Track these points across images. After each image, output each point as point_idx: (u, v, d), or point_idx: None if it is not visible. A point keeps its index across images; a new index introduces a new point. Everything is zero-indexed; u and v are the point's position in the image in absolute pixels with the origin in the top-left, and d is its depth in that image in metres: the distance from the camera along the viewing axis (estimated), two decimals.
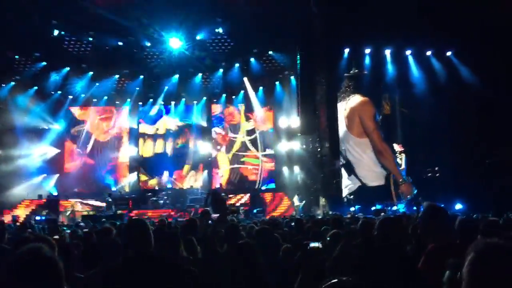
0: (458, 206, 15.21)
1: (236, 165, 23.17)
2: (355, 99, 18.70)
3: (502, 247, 1.66)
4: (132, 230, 3.36)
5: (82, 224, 12.63)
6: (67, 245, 4.74)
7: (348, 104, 18.78)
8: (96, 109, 23.21)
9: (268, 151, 23.21)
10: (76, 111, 23.02)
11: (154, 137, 23.42)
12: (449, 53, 18.32)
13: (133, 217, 3.91)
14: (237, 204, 19.96)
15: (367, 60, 18.82)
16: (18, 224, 15.00)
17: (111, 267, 3.28)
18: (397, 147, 18.90)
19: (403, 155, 18.82)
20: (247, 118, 23.49)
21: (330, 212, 14.73)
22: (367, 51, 18.67)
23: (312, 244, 3.47)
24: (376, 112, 18.68)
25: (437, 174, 17.64)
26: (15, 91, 20.58)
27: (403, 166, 18.76)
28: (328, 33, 17.25)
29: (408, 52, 18.86)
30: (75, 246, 5.43)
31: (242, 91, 22.80)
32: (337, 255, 3.30)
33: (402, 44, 18.35)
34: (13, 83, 20.49)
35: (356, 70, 18.51)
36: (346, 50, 18.51)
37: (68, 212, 19.04)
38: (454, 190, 16.28)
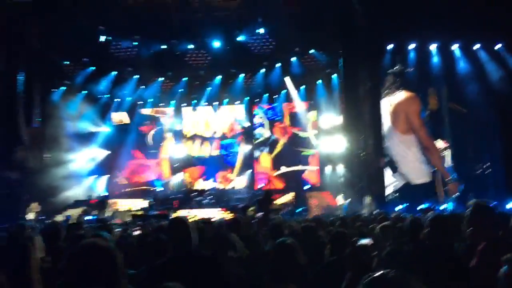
0: (511, 205, 14.62)
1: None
2: (401, 95, 18.28)
3: None
4: (173, 230, 3.42)
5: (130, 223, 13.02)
6: (117, 242, 4.89)
7: (393, 100, 18.37)
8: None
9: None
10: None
11: (201, 138, 23.81)
12: (498, 46, 17.64)
13: (175, 217, 3.96)
14: (281, 203, 19.95)
15: (411, 55, 18.38)
16: (70, 223, 15.69)
17: (155, 265, 3.36)
18: (441, 144, 18.35)
19: (449, 151, 18.26)
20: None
21: (375, 211, 14.49)
22: (412, 46, 18.23)
23: (362, 241, 3.45)
24: (423, 108, 18.20)
25: (488, 170, 17.05)
26: (65, 96, 21.44)
27: (449, 163, 18.22)
28: (371, 29, 16.97)
29: (454, 46, 18.28)
30: (127, 244, 5.60)
31: (284, 91, 22.78)
32: (387, 253, 3.25)
33: (448, 38, 17.82)
34: (63, 88, 21.32)
35: (401, 66, 18.10)
36: (390, 46, 18.14)
37: (111, 213, 19.47)
38: (506, 187, 15.67)
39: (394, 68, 18.13)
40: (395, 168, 18.38)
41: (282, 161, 23.21)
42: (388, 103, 18.41)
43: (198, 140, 23.82)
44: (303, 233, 5.10)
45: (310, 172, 22.97)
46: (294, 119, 23.38)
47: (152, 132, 24.02)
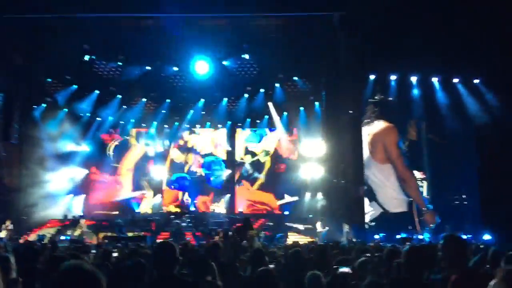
0: (487, 237, 14.83)
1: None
2: (379, 125, 18.63)
3: None
4: (160, 253, 3.44)
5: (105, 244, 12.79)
6: (97, 265, 4.81)
7: (372, 130, 18.71)
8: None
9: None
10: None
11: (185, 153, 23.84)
12: (476, 81, 18.15)
13: (163, 240, 4.01)
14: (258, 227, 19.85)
15: (392, 86, 18.78)
16: (43, 243, 15.35)
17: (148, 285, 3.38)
18: (418, 174, 18.64)
19: (425, 183, 18.54)
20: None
21: (354, 240, 14.53)
22: (393, 77, 18.64)
23: (342, 269, 3.48)
24: (400, 139, 18.54)
25: (465, 202, 17.33)
26: (46, 113, 21.16)
27: (425, 193, 18.47)
28: (353, 59, 17.34)
29: (434, 79, 18.75)
30: (103, 266, 5.51)
31: (266, 116, 22.94)
32: (366, 284, 3.27)
33: (428, 71, 18.29)
34: (44, 105, 21.09)
35: (381, 96, 18.47)
36: (372, 76, 18.52)
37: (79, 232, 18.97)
38: (482, 220, 15.90)
39: (375, 97, 18.49)
40: (372, 197, 18.56)
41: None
42: (367, 133, 18.72)
43: (181, 157, 23.75)
44: (292, 258, 5.04)
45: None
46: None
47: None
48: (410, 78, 18.74)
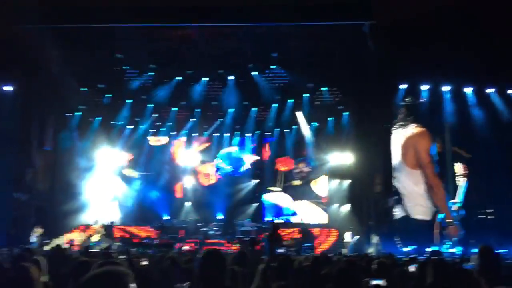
0: None
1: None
2: (413, 129, 18.23)
3: None
4: (207, 263, 3.26)
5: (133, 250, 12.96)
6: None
7: (404, 134, 18.34)
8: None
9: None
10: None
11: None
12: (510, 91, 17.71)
13: (210, 250, 3.56)
14: (291, 238, 19.74)
15: (424, 96, 18.47)
16: (73, 248, 15.67)
17: None
18: (460, 168, 18.07)
19: (465, 179, 17.95)
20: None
21: (383, 251, 14.31)
22: (425, 87, 18.34)
23: (375, 282, 3.41)
24: (433, 146, 18.11)
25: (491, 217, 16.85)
26: (80, 121, 21.73)
27: (461, 191, 17.90)
28: (384, 69, 17.17)
29: (467, 90, 18.37)
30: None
31: (295, 126, 22.89)
32: None
33: (461, 81, 17.94)
34: (79, 113, 21.64)
35: (414, 98, 18.11)
36: (402, 86, 18.27)
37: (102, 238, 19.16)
38: (508, 234, 15.41)
39: (406, 99, 18.15)
40: (398, 200, 18.20)
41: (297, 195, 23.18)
42: (400, 136, 18.36)
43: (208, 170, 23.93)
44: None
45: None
46: None
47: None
48: (442, 88, 18.41)
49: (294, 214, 22.95)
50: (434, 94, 18.30)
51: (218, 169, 23.94)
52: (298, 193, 23.16)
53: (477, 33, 15.40)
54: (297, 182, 23.38)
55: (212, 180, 23.88)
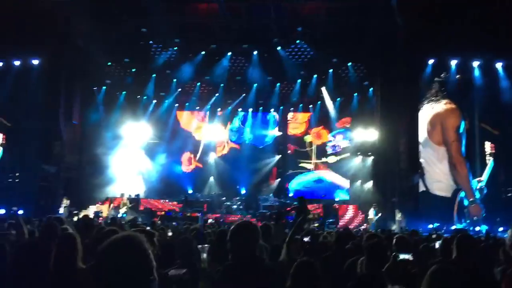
0: None
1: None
2: (442, 105, 17.89)
3: None
4: (239, 234, 3.27)
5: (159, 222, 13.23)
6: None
7: (434, 110, 18.01)
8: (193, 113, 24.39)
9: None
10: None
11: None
12: None
13: (243, 221, 3.57)
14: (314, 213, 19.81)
15: (453, 70, 18.02)
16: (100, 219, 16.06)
17: (226, 266, 3.24)
18: (488, 147, 17.77)
19: (491, 159, 17.64)
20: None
21: (407, 228, 14.26)
22: (453, 62, 17.88)
23: (402, 256, 3.41)
24: (461, 124, 17.77)
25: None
26: (106, 95, 21.99)
27: (487, 170, 17.64)
28: (412, 43, 16.78)
29: (498, 65, 17.84)
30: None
31: (319, 102, 22.71)
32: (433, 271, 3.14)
33: (492, 56, 17.42)
34: (104, 87, 21.89)
35: (447, 75, 17.70)
36: (431, 61, 17.84)
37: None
38: None
39: (441, 76, 17.77)
40: (420, 175, 18.03)
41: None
42: (429, 111, 18.05)
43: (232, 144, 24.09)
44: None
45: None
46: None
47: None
48: (472, 63, 17.91)
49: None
50: (463, 70, 17.84)
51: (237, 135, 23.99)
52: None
53: (508, 5, 14.86)
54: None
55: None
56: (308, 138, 23.71)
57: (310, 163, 23.52)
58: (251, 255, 3.15)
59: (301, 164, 23.52)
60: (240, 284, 2.51)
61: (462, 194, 17.75)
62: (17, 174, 19.20)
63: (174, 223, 12.93)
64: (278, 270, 3.47)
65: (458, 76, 17.65)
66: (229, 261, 3.17)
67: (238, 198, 21.66)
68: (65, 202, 18.73)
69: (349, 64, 20.98)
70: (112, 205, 20.09)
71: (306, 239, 6.37)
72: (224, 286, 2.68)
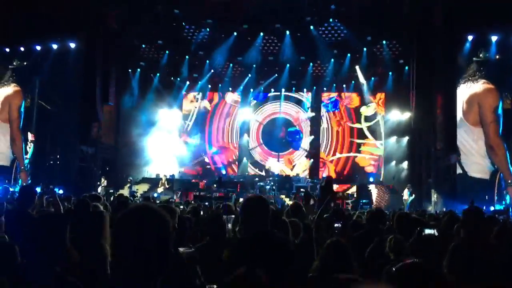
0: None
1: (351, 154, 22.85)
2: (480, 85, 17.25)
3: None
4: (250, 208, 3.27)
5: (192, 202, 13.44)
6: (181, 218, 5.06)
7: (470, 89, 17.40)
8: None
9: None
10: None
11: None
12: None
13: (252, 195, 3.58)
14: (346, 193, 19.69)
15: (493, 48, 17.28)
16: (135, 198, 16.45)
17: (237, 242, 3.25)
18: None
19: None
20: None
21: (444, 209, 14.00)
22: (494, 38, 17.15)
23: (428, 231, 3.39)
24: (499, 104, 17.13)
25: None
26: (141, 77, 22.33)
27: None
28: (450, 19, 16.21)
29: None
30: (188, 220, 5.78)
31: (353, 81, 22.36)
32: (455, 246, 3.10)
33: None
34: (139, 69, 22.21)
35: (486, 55, 17.02)
36: (469, 38, 17.16)
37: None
38: None
39: (480, 55, 17.12)
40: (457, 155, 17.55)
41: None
42: (465, 91, 17.46)
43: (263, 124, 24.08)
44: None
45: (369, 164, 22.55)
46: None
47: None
48: None
49: None
50: (504, 47, 17.09)
51: None
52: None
53: None
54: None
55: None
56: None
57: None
58: (262, 228, 3.11)
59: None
60: (251, 258, 2.53)
61: (501, 175, 17.22)
62: (58, 156, 19.77)
63: (206, 203, 13.07)
64: (303, 248, 3.49)
65: (497, 56, 16.93)
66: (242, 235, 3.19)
67: (271, 178, 21.72)
68: (103, 182, 19.30)
69: (384, 42, 20.51)
70: (148, 185, 20.58)
71: (337, 224, 6.32)
72: (236, 260, 2.71)
